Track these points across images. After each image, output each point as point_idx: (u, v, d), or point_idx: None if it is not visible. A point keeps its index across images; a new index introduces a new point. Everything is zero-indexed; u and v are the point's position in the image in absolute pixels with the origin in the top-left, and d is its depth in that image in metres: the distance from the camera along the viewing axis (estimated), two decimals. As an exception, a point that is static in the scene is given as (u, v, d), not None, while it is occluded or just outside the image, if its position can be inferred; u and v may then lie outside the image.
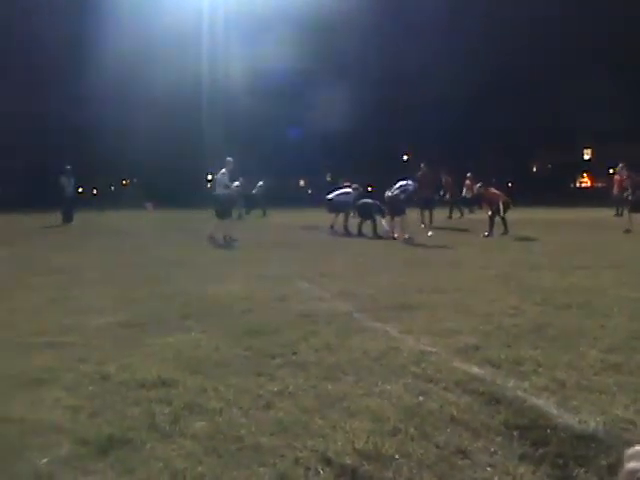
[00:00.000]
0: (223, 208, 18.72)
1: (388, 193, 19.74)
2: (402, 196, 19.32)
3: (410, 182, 19.90)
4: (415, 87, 67.73)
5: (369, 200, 21.56)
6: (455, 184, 33.19)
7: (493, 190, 21.19)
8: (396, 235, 19.37)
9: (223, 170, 19.08)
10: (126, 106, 60.59)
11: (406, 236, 18.58)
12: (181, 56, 59.43)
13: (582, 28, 62.35)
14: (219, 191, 18.91)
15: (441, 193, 31.82)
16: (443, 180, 32.41)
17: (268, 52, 58.54)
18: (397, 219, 19.61)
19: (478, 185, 22.00)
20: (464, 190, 32.80)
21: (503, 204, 20.07)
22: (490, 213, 20.02)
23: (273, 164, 61.90)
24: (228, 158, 19.18)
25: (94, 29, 55.52)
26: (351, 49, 66.51)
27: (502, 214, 19.85)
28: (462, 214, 32.22)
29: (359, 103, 64.50)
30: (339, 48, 66.39)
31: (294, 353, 5.78)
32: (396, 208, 19.37)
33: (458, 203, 33.45)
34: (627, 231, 20.03)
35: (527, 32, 65.45)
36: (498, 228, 19.46)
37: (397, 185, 19.73)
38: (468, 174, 32.04)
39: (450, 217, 31.64)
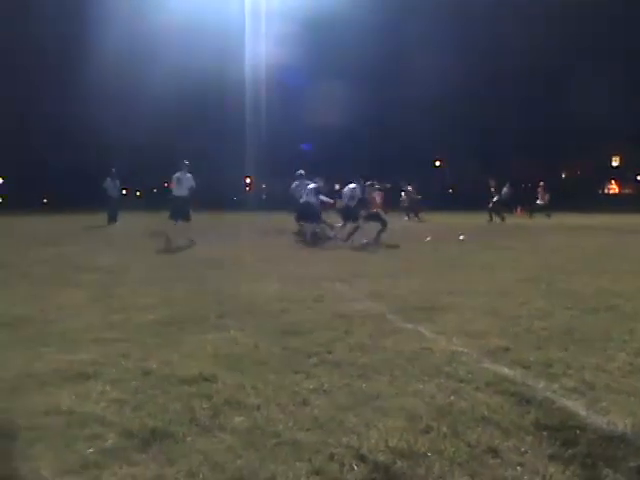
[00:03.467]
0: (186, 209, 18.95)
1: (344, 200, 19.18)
2: (352, 203, 18.82)
3: (356, 186, 19.15)
4: (443, 90, 67.28)
5: (314, 200, 19.90)
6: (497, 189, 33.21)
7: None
8: (346, 241, 18.35)
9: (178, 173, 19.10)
10: (172, 111, 61.06)
11: (364, 241, 17.99)
12: (223, 55, 59.50)
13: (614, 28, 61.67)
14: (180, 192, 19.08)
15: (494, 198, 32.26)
16: (492, 185, 32.71)
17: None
18: (350, 225, 18.86)
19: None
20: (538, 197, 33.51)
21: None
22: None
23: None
24: (185, 161, 19.07)
25: (129, 29, 55.88)
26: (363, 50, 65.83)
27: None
28: (503, 219, 31.87)
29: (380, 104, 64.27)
30: (344, 48, 65.77)
31: (329, 352, 5.79)
32: (350, 215, 18.87)
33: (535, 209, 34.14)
34: None
35: (554, 30, 64.56)
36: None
37: (347, 189, 19.18)
38: (541, 182, 32.47)
39: (490, 220, 31.53)
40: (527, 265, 12.67)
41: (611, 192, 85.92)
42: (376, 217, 19.37)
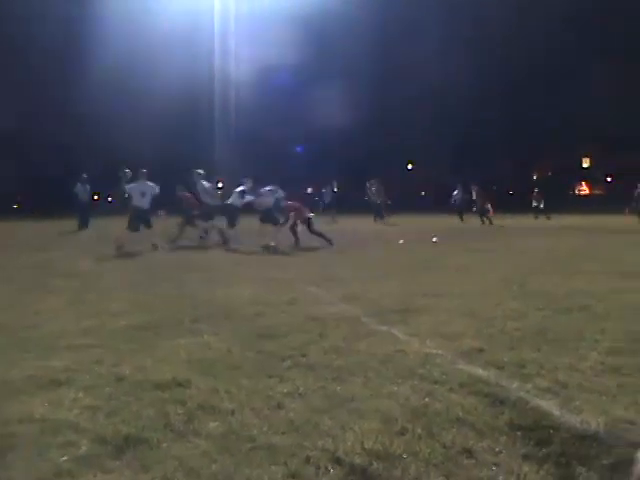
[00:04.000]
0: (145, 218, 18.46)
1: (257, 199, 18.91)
2: (272, 203, 18.58)
3: (272, 188, 18.85)
4: (414, 97, 67.56)
5: (238, 202, 19.67)
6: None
7: None
8: (273, 244, 17.85)
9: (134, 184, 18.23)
10: (140, 116, 60.58)
11: (272, 244, 17.69)
12: (194, 61, 59.24)
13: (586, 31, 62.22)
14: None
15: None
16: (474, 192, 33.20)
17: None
18: (273, 228, 18.45)
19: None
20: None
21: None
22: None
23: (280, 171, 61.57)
24: (143, 170, 18.29)
25: (107, 34, 55.39)
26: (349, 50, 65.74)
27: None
28: (484, 222, 32.09)
29: (358, 106, 64.15)
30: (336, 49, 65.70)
31: (303, 355, 5.79)
32: (270, 218, 18.52)
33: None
34: None
35: (529, 35, 64.98)
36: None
37: (266, 190, 18.82)
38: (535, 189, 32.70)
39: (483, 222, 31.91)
40: (500, 266, 12.76)
41: (582, 193, 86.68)
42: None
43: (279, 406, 4.45)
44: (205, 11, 58.12)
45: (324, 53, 63.79)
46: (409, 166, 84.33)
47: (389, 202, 34.95)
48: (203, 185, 19.62)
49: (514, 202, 54.67)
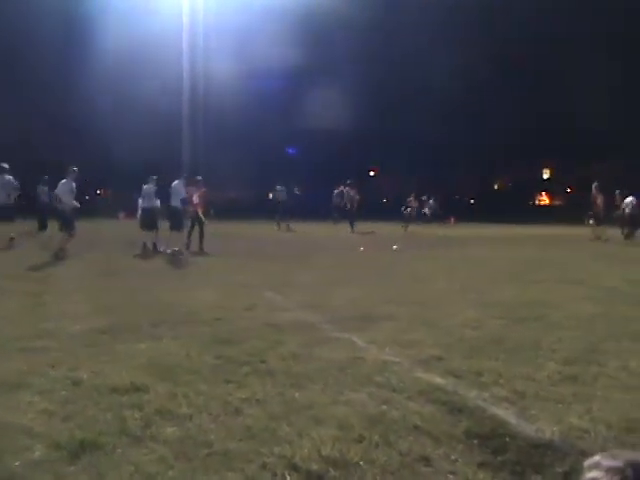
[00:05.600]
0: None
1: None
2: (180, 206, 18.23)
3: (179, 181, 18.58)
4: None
5: (154, 204, 18.93)
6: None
7: None
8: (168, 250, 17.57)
9: (64, 180, 17.03)
10: (103, 117, 59.99)
11: (176, 249, 17.44)
12: (163, 66, 58.68)
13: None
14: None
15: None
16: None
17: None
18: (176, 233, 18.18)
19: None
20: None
21: None
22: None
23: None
24: (74, 167, 17.25)
25: (77, 38, 54.75)
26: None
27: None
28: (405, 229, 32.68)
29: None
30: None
31: (262, 361, 5.79)
32: (177, 221, 18.21)
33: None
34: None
35: (489, 49, 65.68)
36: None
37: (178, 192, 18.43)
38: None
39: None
40: (459, 275, 12.87)
41: (542, 203, 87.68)
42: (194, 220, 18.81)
43: (237, 412, 4.45)
44: (191, 12, 57.71)
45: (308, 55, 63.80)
46: (371, 173, 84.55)
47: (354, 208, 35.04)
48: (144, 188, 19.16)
49: (476, 211, 55.24)
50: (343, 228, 30.73)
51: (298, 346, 6.43)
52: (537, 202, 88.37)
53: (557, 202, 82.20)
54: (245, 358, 5.89)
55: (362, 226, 30.97)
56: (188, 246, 18.39)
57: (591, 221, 26.67)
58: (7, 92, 57.68)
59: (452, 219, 45.16)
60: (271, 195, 36.22)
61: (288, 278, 12.16)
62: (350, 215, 32.63)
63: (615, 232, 25.77)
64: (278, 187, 35.49)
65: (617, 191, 28.39)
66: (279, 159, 70.88)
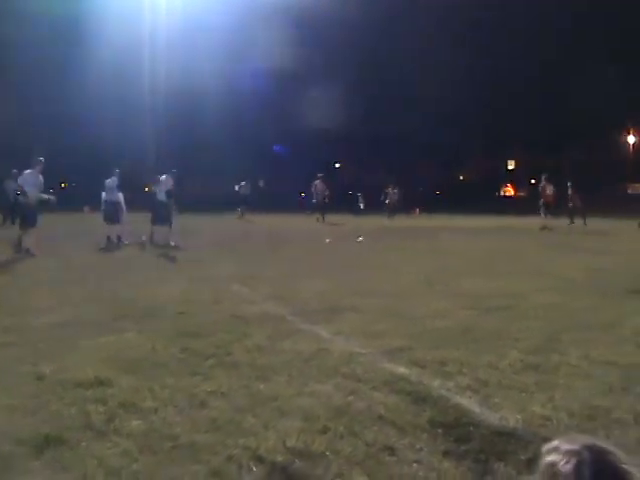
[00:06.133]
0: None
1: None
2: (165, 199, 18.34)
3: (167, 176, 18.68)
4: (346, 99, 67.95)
5: (115, 198, 18.75)
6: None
7: None
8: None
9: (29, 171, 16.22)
10: (69, 109, 59.39)
11: (143, 238, 17.77)
12: (128, 60, 58.34)
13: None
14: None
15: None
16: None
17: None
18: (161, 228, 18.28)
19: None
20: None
21: None
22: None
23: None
24: (40, 158, 16.64)
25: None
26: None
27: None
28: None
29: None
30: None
31: (228, 354, 5.79)
32: (164, 214, 18.11)
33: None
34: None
35: (458, 43, 66.13)
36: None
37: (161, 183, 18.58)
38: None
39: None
40: (425, 267, 12.92)
41: (507, 195, 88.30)
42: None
43: (202, 404, 4.45)
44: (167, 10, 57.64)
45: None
46: (336, 165, 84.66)
47: (326, 200, 35.18)
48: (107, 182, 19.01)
49: (442, 202, 55.49)
50: (313, 219, 31.02)
51: (264, 338, 6.44)
52: (502, 193, 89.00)
53: (522, 193, 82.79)
54: (211, 351, 5.89)
55: (331, 218, 31.12)
56: (152, 239, 18.36)
57: (540, 211, 27.60)
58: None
59: (417, 210, 45.37)
60: (237, 187, 36.23)
61: (255, 270, 12.14)
62: (319, 207, 32.97)
63: (563, 222, 26.81)
64: (242, 182, 35.63)
65: (569, 183, 29.28)
66: (257, 155, 70.96)
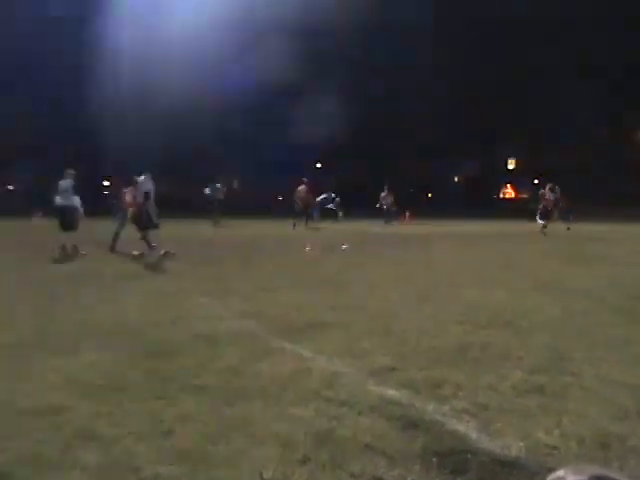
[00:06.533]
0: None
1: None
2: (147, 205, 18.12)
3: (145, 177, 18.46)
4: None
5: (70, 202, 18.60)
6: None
7: None
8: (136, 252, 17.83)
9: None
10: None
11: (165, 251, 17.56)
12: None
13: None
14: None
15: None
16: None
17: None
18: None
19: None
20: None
21: None
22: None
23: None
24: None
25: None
26: None
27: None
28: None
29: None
30: None
31: (196, 376, 5.77)
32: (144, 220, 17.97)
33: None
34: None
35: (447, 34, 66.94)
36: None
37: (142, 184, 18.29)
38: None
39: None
40: (417, 278, 12.95)
41: (507, 197, 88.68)
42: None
43: (169, 432, 4.43)
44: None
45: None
46: (318, 165, 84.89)
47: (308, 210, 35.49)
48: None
49: (434, 206, 55.66)
50: (297, 225, 31.32)
51: (237, 359, 6.43)
52: (502, 195, 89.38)
53: (524, 195, 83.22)
54: (178, 372, 5.87)
55: (314, 223, 31.29)
56: (113, 248, 18.43)
57: (538, 216, 28.84)
58: None
59: (406, 215, 45.46)
60: (207, 190, 36.27)
61: (227, 283, 12.12)
62: (300, 213, 33.35)
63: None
64: (217, 185, 35.70)
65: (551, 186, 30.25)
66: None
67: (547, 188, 29.46)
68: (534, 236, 25.71)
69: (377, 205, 39.74)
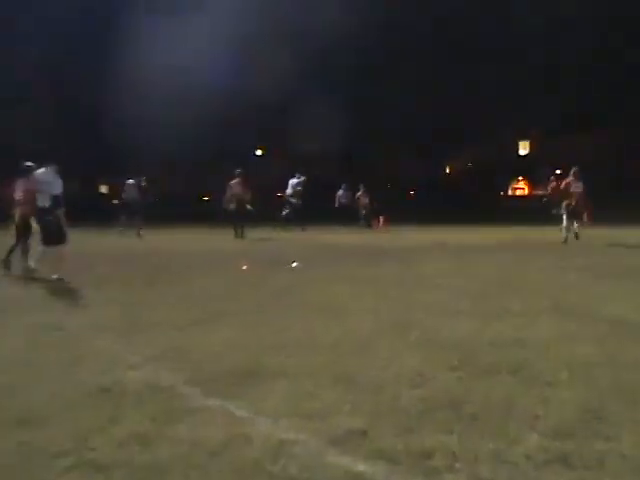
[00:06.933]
0: None
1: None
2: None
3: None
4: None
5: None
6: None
7: None
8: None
9: None
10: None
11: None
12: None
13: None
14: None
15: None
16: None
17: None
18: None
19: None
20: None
21: None
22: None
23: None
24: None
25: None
26: None
27: None
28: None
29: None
30: None
31: (90, 448, 5.66)
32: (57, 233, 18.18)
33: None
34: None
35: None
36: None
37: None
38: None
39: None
40: (392, 304, 12.92)
41: (517, 194, 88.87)
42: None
43: None
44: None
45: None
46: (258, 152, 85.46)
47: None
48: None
49: (419, 207, 55.94)
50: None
51: (147, 422, 6.34)
52: (511, 191, 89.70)
53: (540, 191, 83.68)
54: (64, 445, 5.75)
55: (255, 232, 31.28)
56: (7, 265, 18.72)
57: (564, 217, 28.45)
58: None
59: (380, 220, 45.58)
60: (125, 190, 36.59)
61: (136, 313, 12.02)
62: (235, 217, 33.21)
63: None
64: (130, 180, 35.80)
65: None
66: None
67: (572, 173, 29.32)
68: (553, 246, 25.89)
69: (336, 205, 40.30)
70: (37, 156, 19.37)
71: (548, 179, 32.86)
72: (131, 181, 37.36)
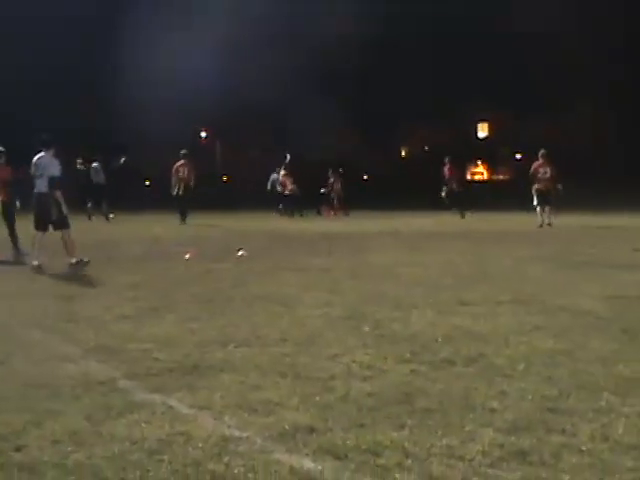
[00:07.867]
0: None
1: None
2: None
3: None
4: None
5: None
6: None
7: None
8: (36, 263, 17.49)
9: None
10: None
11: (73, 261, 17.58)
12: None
13: None
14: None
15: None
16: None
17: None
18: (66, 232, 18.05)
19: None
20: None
21: None
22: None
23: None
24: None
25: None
26: None
27: None
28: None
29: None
30: None
31: (17, 449, 5.62)
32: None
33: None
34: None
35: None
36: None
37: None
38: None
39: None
40: (344, 295, 12.95)
41: (476, 178, 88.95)
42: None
43: None
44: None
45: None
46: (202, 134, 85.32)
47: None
48: None
49: (372, 193, 56.04)
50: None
51: (81, 419, 6.29)
52: (469, 175, 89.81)
53: (501, 176, 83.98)
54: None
55: (199, 218, 31.21)
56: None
57: (535, 201, 28.55)
58: None
59: (332, 207, 45.50)
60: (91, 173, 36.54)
61: (70, 307, 11.95)
62: (179, 201, 33.05)
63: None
64: (95, 164, 35.64)
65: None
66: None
67: (540, 156, 29.25)
68: (524, 233, 26.03)
69: (322, 191, 40.70)
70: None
71: (444, 163, 33.37)
72: (96, 164, 37.14)
